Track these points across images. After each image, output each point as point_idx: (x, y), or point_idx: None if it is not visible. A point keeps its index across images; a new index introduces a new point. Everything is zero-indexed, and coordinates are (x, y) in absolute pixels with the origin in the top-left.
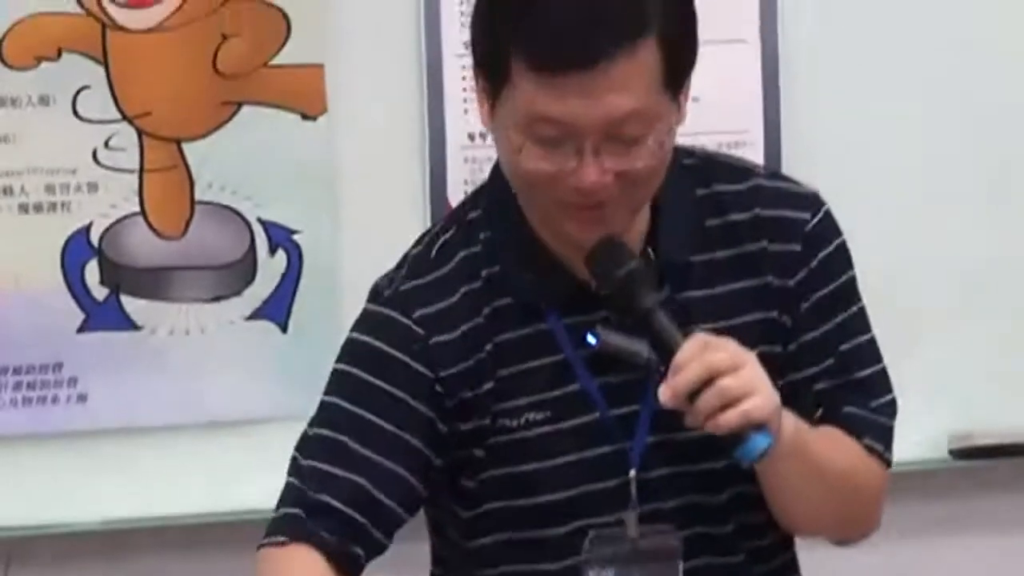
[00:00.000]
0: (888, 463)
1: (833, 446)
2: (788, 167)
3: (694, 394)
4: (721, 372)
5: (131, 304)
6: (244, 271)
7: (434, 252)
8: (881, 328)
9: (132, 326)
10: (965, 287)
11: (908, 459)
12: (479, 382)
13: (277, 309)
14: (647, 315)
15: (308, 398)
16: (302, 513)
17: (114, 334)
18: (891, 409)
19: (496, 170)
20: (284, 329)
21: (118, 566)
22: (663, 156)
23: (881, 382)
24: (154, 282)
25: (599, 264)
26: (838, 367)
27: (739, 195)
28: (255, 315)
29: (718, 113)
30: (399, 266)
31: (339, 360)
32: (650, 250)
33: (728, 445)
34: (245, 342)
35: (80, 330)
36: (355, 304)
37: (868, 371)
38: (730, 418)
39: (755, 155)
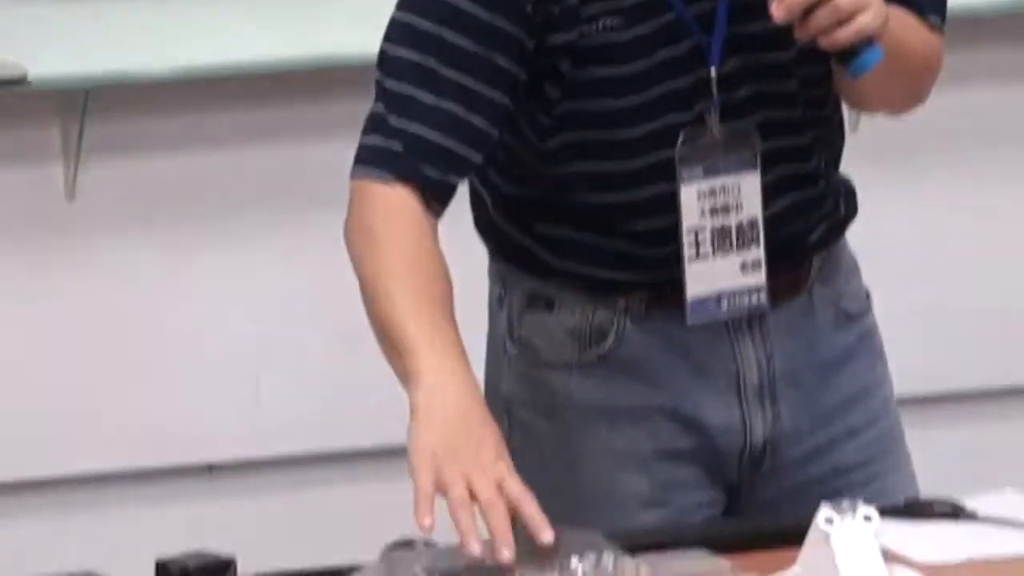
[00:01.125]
0: (943, 32)
1: (907, 28)
2: None
3: (807, 10)
4: None
5: None
6: None
7: None
8: None
9: None
10: None
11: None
12: None
13: None
14: None
15: None
16: (399, 147)
17: None
18: None
19: None
20: None
21: (193, 116)
22: None
23: None
24: None
25: None
26: None
27: None
28: None
29: None
30: None
31: None
32: None
33: (841, 59)
34: None
35: None
36: None
37: None
38: (845, 34)
39: None
